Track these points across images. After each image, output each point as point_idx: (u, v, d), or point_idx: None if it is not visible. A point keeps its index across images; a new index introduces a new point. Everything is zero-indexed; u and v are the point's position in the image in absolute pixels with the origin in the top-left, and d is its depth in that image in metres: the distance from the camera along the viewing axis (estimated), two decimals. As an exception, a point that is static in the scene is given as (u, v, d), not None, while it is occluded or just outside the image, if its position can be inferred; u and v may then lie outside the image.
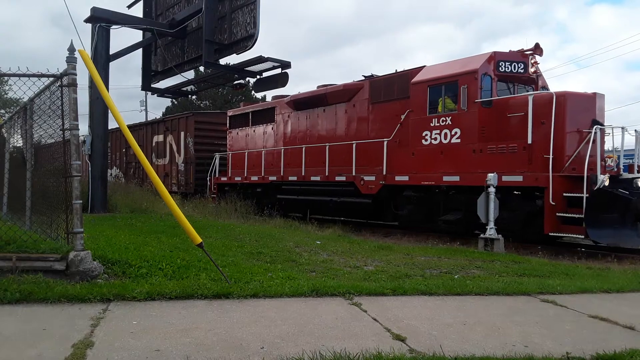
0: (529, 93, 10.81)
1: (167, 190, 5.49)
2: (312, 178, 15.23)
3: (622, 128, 10.59)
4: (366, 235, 12.57)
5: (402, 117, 12.75)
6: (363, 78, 14.55)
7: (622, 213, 9.55)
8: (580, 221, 9.57)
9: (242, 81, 16.14)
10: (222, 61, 15.29)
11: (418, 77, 12.56)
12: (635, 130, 10.80)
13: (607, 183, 9.42)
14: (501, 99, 11.34)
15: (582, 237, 9.76)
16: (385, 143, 13.04)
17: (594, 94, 10.74)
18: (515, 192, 10.86)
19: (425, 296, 4.89)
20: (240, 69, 14.37)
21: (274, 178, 16.73)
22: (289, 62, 14.04)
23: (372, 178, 13.33)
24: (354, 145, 13.95)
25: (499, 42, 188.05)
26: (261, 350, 3.24)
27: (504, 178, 10.44)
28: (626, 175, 10.30)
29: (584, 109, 10.49)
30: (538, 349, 3.42)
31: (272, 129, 17.64)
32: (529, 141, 10.24)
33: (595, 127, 9.97)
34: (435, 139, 11.96)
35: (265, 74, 14.62)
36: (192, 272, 5.38)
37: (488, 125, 11.17)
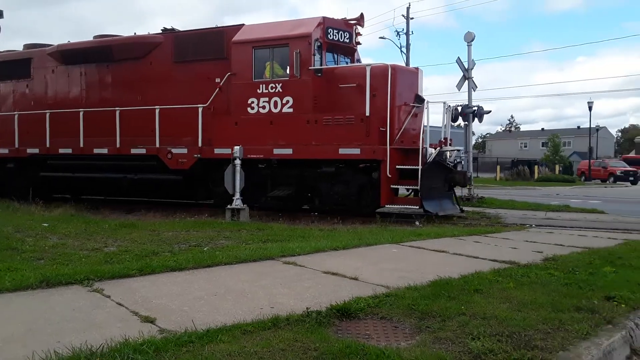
0: (366, 64, 10.60)
1: None
2: (96, 151, 12.58)
3: (444, 103, 11.21)
4: (105, 213, 11.58)
5: (219, 80, 11.29)
6: (161, 32, 12.57)
7: (443, 183, 10.43)
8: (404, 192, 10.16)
9: None
10: None
11: (240, 36, 11.18)
12: (444, 102, 11.37)
13: (434, 155, 10.11)
14: (332, 68, 10.96)
15: (417, 207, 10.10)
16: (200, 110, 11.36)
17: (417, 68, 11.12)
18: (340, 165, 10.62)
19: (175, 272, 4.75)
20: None
21: (36, 151, 13.44)
22: (1, 11, 11.63)
23: (184, 151, 11.62)
24: (157, 112, 11.84)
25: (239, 18, 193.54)
26: (-27, 362, 2.63)
27: (341, 150, 10.24)
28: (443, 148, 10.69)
29: (410, 83, 10.82)
30: (283, 308, 3.67)
31: (28, 86, 14.04)
32: (367, 113, 10.06)
33: (425, 101, 10.36)
34: (264, 107, 10.89)
35: (-34, 22, 11.81)
36: None
37: (321, 95, 10.65)
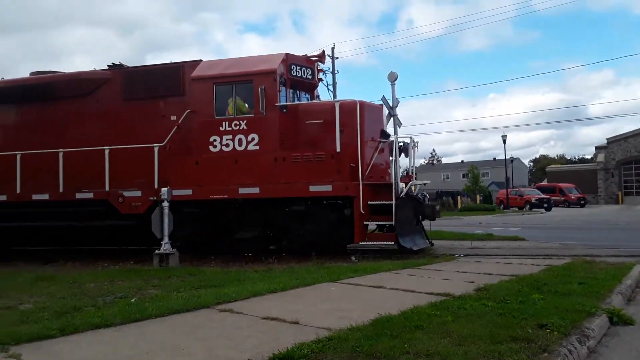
0: (334, 100, 10.49)
1: None
2: (35, 197, 11.40)
3: (410, 137, 11.14)
4: (19, 265, 10.63)
5: (175, 118, 10.73)
6: (108, 67, 11.88)
7: (413, 217, 10.28)
8: (384, 228, 10.10)
9: None
10: None
11: (199, 72, 10.74)
12: (411, 137, 11.27)
13: (405, 190, 10.10)
14: (298, 105, 10.84)
15: (392, 243, 9.89)
16: (156, 150, 10.64)
17: (381, 104, 11.08)
18: (309, 202, 10.32)
19: (100, 330, 4.39)
20: None
21: None
22: None
23: (138, 194, 10.80)
24: (106, 152, 10.96)
25: (163, 55, 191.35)
26: None
27: (312, 188, 9.97)
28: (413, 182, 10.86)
29: (375, 119, 10.83)
30: (222, 362, 3.47)
31: None
32: (338, 149, 9.93)
33: (395, 136, 10.53)
34: (227, 145, 10.40)
35: None
36: None
37: (288, 131, 10.37)
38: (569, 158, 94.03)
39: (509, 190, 43.94)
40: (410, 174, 11.22)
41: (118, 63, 12.20)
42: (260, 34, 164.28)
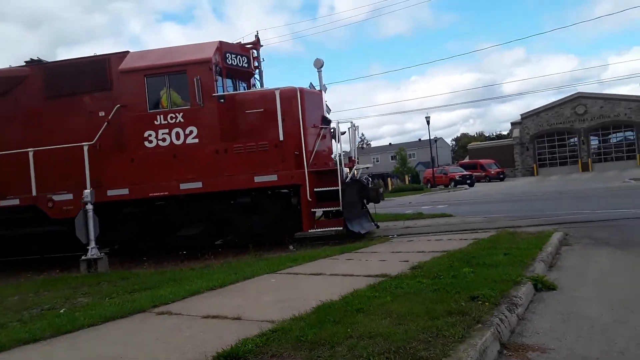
0: (274, 88, 10.13)
1: None
2: None
3: (351, 122, 11.20)
4: None
5: (104, 114, 10.15)
6: (25, 64, 10.90)
7: (359, 201, 10.35)
8: (329, 214, 10.10)
9: None
10: None
11: (128, 64, 10.12)
12: (351, 121, 11.30)
13: (350, 175, 10.08)
14: (236, 94, 10.51)
15: (341, 228, 9.93)
16: (85, 149, 9.97)
17: (320, 90, 10.95)
18: (254, 193, 10.12)
19: (29, 345, 4.12)
20: None
21: None
22: None
23: (69, 197, 10.16)
24: (30, 155, 10.19)
25: (74, 49, 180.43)
26: None
27: (257, 179, 9.79)
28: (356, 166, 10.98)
29: (316, 106, 10.68)
30: (164, 366, 3.37)
31: None
32: (281, 138, 9.79)
33: (336, 122, 10.51)
34: (164, 139, 9.98)
35: None
36: None
37: (228, 122, 10.07)
38: (487, 135, 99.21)
39: (434, 169, 45.73)
40: (353, 158, 11.38)
41: (36, 58, 11.33)
42: (179, 22, 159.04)
